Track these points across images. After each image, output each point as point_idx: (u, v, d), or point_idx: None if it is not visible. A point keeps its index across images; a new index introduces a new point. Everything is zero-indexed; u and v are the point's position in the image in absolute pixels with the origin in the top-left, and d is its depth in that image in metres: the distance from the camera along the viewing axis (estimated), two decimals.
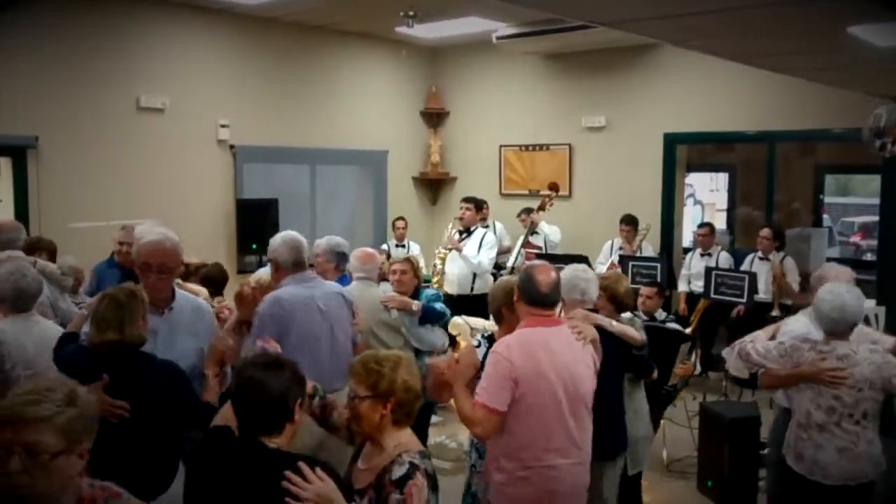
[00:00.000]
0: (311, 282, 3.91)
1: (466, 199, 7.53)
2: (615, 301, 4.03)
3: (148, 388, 2.86)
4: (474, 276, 7.23)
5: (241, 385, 2.24)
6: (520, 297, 3.23)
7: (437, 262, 7.39)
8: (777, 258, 7.36)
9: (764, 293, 7.21)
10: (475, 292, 7.14)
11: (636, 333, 3.81)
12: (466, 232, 7.37)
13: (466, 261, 7.19)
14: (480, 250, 7.23)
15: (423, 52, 9.81)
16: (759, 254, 7.45)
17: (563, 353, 3.14)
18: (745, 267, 7.31)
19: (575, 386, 3.13)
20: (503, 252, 8.15)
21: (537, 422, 3.07)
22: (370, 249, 4.95)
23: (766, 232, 7.49)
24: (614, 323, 3.76)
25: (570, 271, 3.78)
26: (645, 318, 4.85)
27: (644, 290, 5.26)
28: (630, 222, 7.89)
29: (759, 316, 7.18)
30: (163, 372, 2.95)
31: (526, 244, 7.69)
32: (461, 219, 7.41)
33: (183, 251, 3.43)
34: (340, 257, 4.77)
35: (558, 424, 3.09)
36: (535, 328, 3.16)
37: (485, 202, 7.54)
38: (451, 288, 7.20)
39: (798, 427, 3.55)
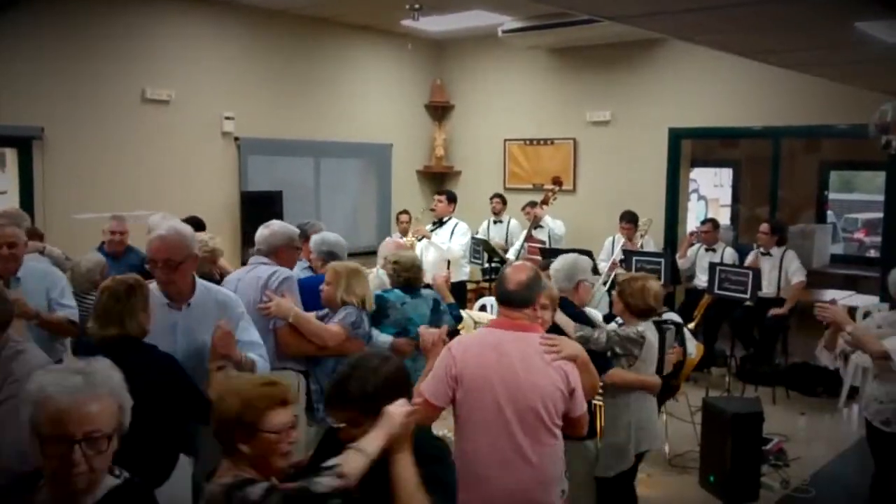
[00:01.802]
0: (255, 265, 4.03)
1: (440, 192, 7.84)
2: (625, 302, 3.90)
3: (146, 379, 2.67)
4: (448, 264, 7.28)
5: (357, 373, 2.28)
6: (495, 294, 3.15)
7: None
8: (778, 253, 7.36)
9: (767, 289, 7.20)
10: (450, 280, 7.18)
11: (570, 332, 3.57)
12: (438, 223, 7.60)
13: (436, 247, 7.38)
14: (452, 238, 7.45)
15: (428, 46, 9.80)
16: (761, 249, 7.43)
17: (517, 360, 2.87)
18: (746, 263, 7.29)
19: (524, 396, 2.84)
20: None
21: (479, 428, 2.87)
22: (398, 240, 4.94)
23: (763, 227, 7.48)
24: (559, 314, 3.58)
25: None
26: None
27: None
28: (630, 219, 7.81)
29: (761, 312, 7.20)
30: (162, 362, 2.92)
31: (529, 238, 7.69)
32: (433, 210, 7.67)
33: (193, 242, 3.30)
34: (328, 256, 4.59)
35: (502, 435, 2.84)
36: (493, 329, 3.04)
37: (455, 196, 7.71)
38: (428, 278, 7.16)
39: None
